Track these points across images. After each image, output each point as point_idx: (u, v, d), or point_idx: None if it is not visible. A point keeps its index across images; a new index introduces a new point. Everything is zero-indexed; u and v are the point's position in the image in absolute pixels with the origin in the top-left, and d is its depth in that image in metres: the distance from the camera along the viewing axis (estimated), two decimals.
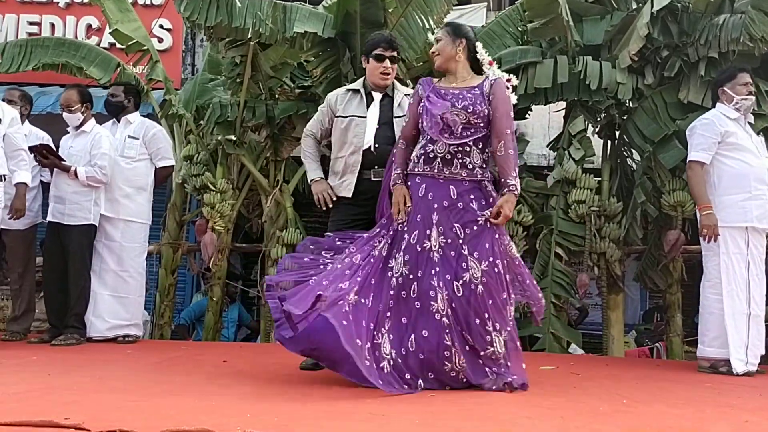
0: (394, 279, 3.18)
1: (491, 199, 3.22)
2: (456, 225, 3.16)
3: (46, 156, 4.60)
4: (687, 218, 5.21)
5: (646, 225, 5.55)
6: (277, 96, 6.05)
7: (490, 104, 3.24)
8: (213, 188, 5.73)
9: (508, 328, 3.16)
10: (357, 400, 2.78)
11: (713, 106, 4.41)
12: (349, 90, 3.83)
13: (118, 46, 6.27)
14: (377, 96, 3.74)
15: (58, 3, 8.00)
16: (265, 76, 5.90)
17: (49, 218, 4.68)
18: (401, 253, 3.19)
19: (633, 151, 5.68)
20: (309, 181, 3.83)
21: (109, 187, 4.72)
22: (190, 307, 7.41)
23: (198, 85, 6.28)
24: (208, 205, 5.69)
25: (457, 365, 3.06)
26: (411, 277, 3.15)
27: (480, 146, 3.24)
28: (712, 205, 4.10)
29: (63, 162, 4.63)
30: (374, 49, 3.72)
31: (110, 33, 5.93)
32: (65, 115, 4.79)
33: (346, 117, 3.72)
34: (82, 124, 4.77)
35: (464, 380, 3.09)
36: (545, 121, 7.66)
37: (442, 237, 3.14)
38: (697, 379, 3.89)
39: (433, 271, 3.11)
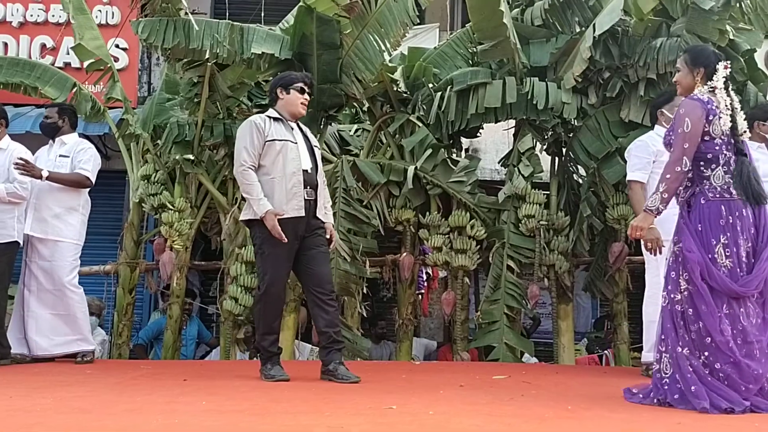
0: None
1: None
2: None
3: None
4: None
5: (593, 237, 5.80)
6: (235, 115, 6.14)
7: None
8: (171, 207, 5.78)
9: None
10: (316, 414, 2.89)
11: (653, 127, 4.67)
12: (270, 117, 4.07)
13: (74, 65, 6.28)
14: (293, 125, 4.12)
15: (11, 22, 7.96)
16: (222, 96, 5.99)
17: None
18: None
19: (579, 167, 5.93)
20: (262, 214, 3.84)
21: (38, 206, 4.72)
22: (147, 326, 7.37)
23: (155, 104, 6.31)
24: (167, 224, 5.73)
25: None
26: None
27: None
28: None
29: None
30: (297, 82, 4.12)
31: (73, 48, 5.93)
32: None
33: (281, 140, 3.98)
34: None
35: None
36: (498, 137, 7.90)
37: None
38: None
39: None
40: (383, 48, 5.51)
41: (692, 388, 3.05)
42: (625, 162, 5.30)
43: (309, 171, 4.03)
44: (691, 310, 3.15)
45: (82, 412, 2.88)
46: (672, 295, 3.22)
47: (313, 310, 4.08)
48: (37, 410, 2.89)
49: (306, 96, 4.15)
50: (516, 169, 5.64)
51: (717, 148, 3.21)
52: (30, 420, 2.68)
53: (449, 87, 5.67)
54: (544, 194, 5.68)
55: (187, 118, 6.00)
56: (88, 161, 4.90)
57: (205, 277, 8.04)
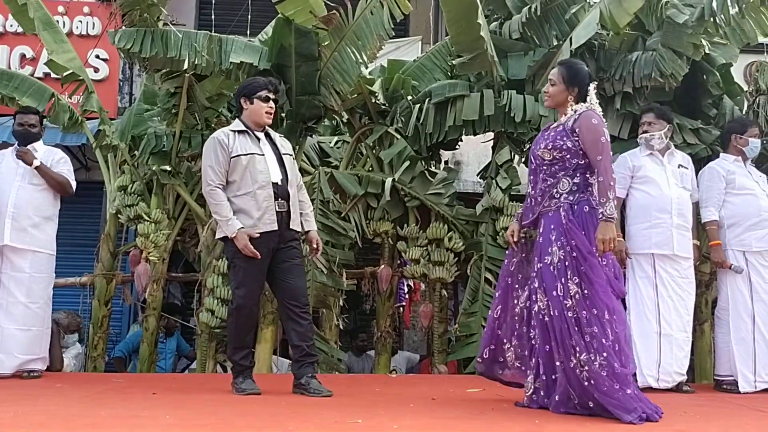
0: None
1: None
2: None
3: None
4: None
5: None
6: (213, 126, 6.10)
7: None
8: (147, 218, 5.74)
9: None
10: (280, 429, 2.85)
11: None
12: (234, 131, 3.97)
13: (54, 75, 6.25)
14: (260, 135, 4.00)
15: None
16: (201, 107, 5.98)
17: None
18: None
19: None
20: (231, 234, 3.78)
21: (17, 215, 4.62)
22: (126, 339, 7.29)
23: (133, 115, 6.29)
24: (142, 235, 5.69)
25: None
26: None
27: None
28: (623, 234, 4.44)
29: None
30: (259, 91, 3.99)
31: (45, 63, 5.90)
32: None
33: (246, 155, 3.88)
34: None
35: None
36: (480, 150, 7.91)
37: None
38: None
39: None
40: (360, 60, 5.51)
41: (595, 395, 3.11)
42: None
43: (279, 183, 3.94)
44: (584, 312, 3.18)
45: (40, 427, 2.82)
46: (564, 301, 3.22)
47: (286, 324, 4.04)
48: None
49: (270, 104, 4.02)
50: (494, 181, 5.64)
51: None
52: None
53: (428, 99, 5.67)
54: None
55: (164, 129, 5.97)
56: (70, 172, 4.89)
57: (187, 290, 7.98)
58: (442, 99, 5.56)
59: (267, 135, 4.07)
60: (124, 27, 5.45)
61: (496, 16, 5.95)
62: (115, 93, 7.96)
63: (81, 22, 7.99)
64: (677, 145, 5.13)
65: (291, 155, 4.13)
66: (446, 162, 7.09)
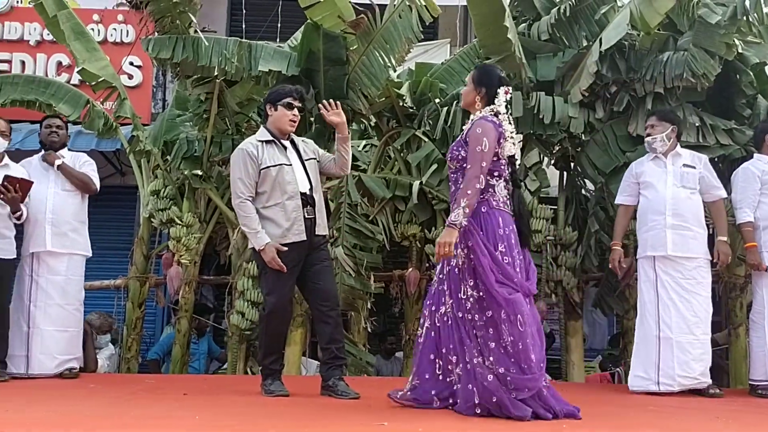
0: None
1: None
2: None
3: (16, 191, 4.51)
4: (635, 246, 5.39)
5: (602, 253, 5.71)
6: (243, 131, 6.19)
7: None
8: (179, 222, 5.83)
9: None
10: (304, 430, 2.87)
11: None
12: (261, 141, 3.97)
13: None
14: (286, 143, 4.00)
15: (28, 41, 8.15)
16: (231, 112, 6.06)
17: None
18: None
19: (587, 181, 5.88)
20: (259, 247, 3.79)
21: (56, 221, 4.74)
22: (160, 341, 7.41)
23: (166, 120, 6.40)
24: (174, 238, 5.79)
25: None
26: None
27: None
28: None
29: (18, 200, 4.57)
30: (284, 98, 3.98)
31: (78, 72, 6.04)
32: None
33: (275, 166, 3.89)
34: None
35: None
36: None
37: None
38: (644, 403, 4.03)
39: None
40: (388, 64, 5.53)
41: (492, 397, 3.12)
42: None
43: (307, 192, 3.93)
44: (477, 315, 3.22)
45: (71, 427, 2.89)
46: (465, 304, 3.26)
47: (318, 326, 4.06)
48: (28, 424, 2.91)
49: (295, 112, 4.00)
50: (522, 183, 5.60)
51: (502, 167, 3.41)
52: None
53: (455, 102, 5.66)
54: (551, 209, 5.63)
55: (196, 134, 6.07)
56: (94, 172, 5.01)
57: (219, 292, 8.07)
58: None
59: (292, 142, 4.08)
60: (156, 34, 5.56)
61: (524, 17, 5.90)
62: (148, 99, 8.11)
63: (115, 29, 8.17)
64: (705, 147, 5.06)
65: (314, 158, 4.10)
66: None
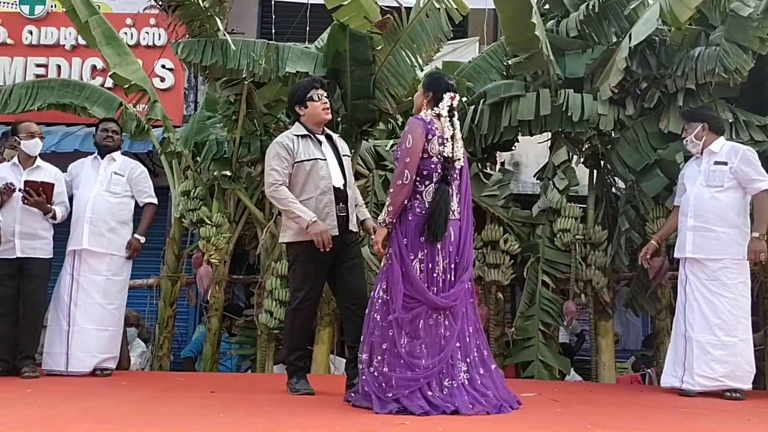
0: None
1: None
2: None
3: (39, 194, 4.66)
4: (671, 245, 5.28)
5: (633, 252, 5.63)
6: (272, 132, 6.23)
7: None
8: (209, 222, 5.90)
9: None
10: (327, 429, 2.89)
11: None
12: (297, 135, 3.99)
13: None
14: (321, 138, 4.01)
15: (64, 45, 8.34)
16: (259, 113, 6.11)
17: (10, 255, 4.64)
18: None
19: (617, 179, 5.79)
20: (305, 225, 3.78)
21: (94, 220, 4.85)
22: (193, 339, 7.51)
23: (196, 122, 6.49)
24: (204, 238, 5.86)
25: None
26: None
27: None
28: None
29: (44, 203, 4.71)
30: (308, 92, 4.01)
31: (110, 76, 6.17)
32: (30, 142, 4.78)
33: (310, 160, 3.90)
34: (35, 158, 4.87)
35: None
36: (539, 150, 7.79)
37: None
38: (675, 404, 3.96)
39: None
40: (415, 63, 5.53)
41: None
42: (665, 174, 5.22)
43: (341, 188, 3.94)
44: (379, 315, 3.40)
45: (100, 423, 2.96)
46: (375, 303, 3.45)
47: (345, 324, 4.08)
48: (59, 420, 2.99)
49: (324, 100, 4.01)
50: (551, 182, 5.55)
51: (433, 166, 3.43)
52: (49, 430, 2.77)
53: (482, 100, 5.64)
54: (580, 208, 5.56)
55: (225, 136, 6.14)
56: (150, 186, 5.17)
57: (250, 292, 8.15)
58: (497, 99, 5.52)
59: (328, 137, 4.08)
60: (186, 37, 5.64)
61: (553, 14, 5.86)
62: (180, 101, 8.24)
63: (147, 33, 8.31)
64: (739, 143, 4.93)
65: (349, 156, 4.15)
66: (502, 163, 7.01)
